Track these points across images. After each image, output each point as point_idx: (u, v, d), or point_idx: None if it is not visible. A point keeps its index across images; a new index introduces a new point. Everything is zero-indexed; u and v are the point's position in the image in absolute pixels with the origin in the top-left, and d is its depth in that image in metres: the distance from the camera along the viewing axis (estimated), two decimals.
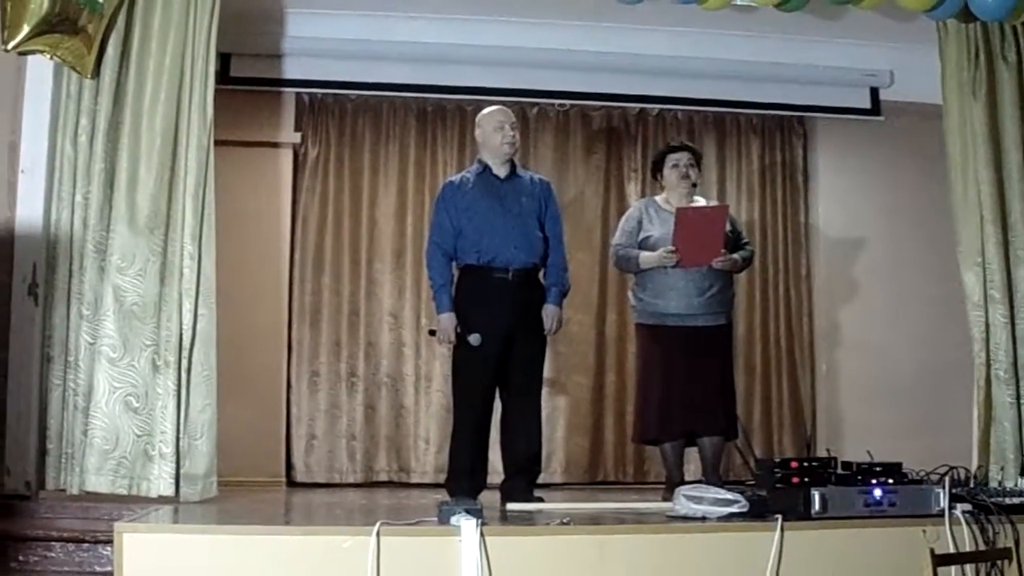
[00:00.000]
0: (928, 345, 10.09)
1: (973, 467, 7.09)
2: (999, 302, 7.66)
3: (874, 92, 10.46)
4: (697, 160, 8.24)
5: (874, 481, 5.66)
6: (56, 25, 6.52)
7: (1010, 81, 7.96)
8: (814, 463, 5.80)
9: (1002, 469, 7.40)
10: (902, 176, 10.44)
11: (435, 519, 5.34)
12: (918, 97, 9.36)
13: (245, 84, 9.51)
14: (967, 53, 7.89)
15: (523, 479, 7.31)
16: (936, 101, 8.07)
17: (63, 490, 6.75)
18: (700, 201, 8.22)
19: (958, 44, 7.90)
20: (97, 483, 6.62)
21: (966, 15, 7.61)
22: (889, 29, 9.18)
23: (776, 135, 10.88)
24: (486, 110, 7.67)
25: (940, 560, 5.05)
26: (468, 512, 5.17)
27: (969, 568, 5.41)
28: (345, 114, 10.27)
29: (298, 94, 10.07)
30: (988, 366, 7.66)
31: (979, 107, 7.85)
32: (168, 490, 6.67)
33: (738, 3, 7.68)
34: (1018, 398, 7.59)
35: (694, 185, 8.17)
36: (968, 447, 7.66)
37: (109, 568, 5.30)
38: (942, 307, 9.24)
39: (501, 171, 7.51)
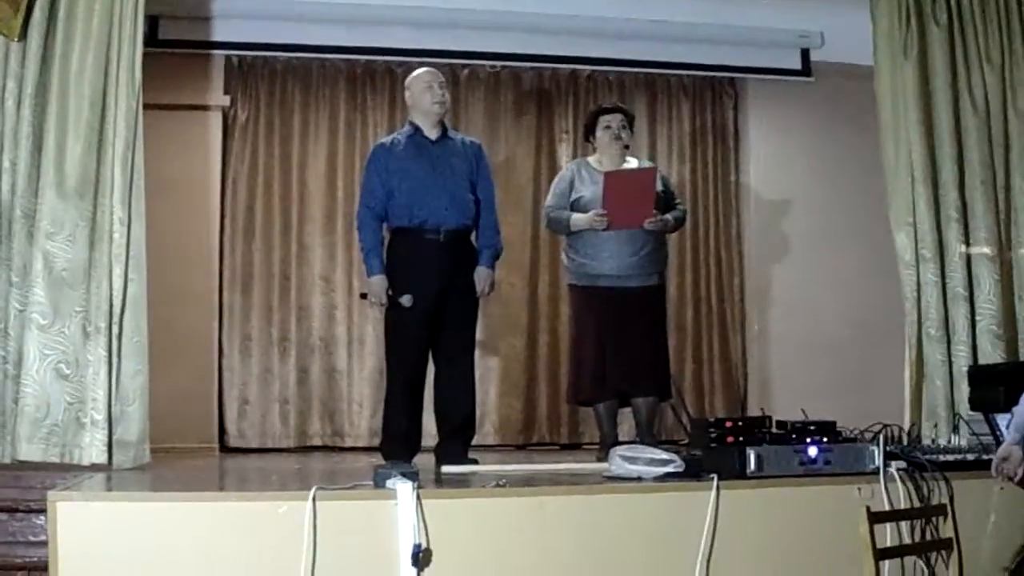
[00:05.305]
0: (859, 304, 10.19)
1: (906, 425, 7.14)
2: (930, 261, 7.71)
3: (805, 53, 10.53)
4: (629, 121, 8.23)
5: (809, 440, 5.68)
6: None
7: (941, 43, 7.99)
8: (749, 422, 5.82)
9: (935, 426, 7.46)
10: (833, 137, 10.52)
11: (371, 483, 5.32)
12: (849, 58, 9.39)
13: (174, 47, 9.43)
14: (899, 14, 7.91)
15: (457, 441, 7.30)
16: (867, 62, 8.11)
17: None
18: (632, 162, 8.22)
19: (889, 4, 7.92)
20: (29, 451, 6.55)
21: None
22: None
23: (707, 96, 10.95)
24: (414, 72, 7.62)
25: (876, 517, 5.07)
26: (404, 475, 5.14)
27: (905, 525, 5.45)
28: (275, 76, 10.23)
29: (227, 57, 10.01)
30: (919, 325, 7.71)
31: (910, 68, 7.88)
32: (101, 457, 6.60)
33: None
34: (949, 356, 7.66)
35: (626, 147, 8.17)
36: (900, 405, 7.72)
37: (43, 537, 5.24)
38: (873, 266, 9.31)
39: (432, 133, 7.47)
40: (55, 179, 6.78)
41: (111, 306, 6.76)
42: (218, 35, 9.58)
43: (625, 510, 5.39)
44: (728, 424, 5.76)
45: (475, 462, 7.10)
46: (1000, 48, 8.10)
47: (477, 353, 7.65)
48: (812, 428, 5.76)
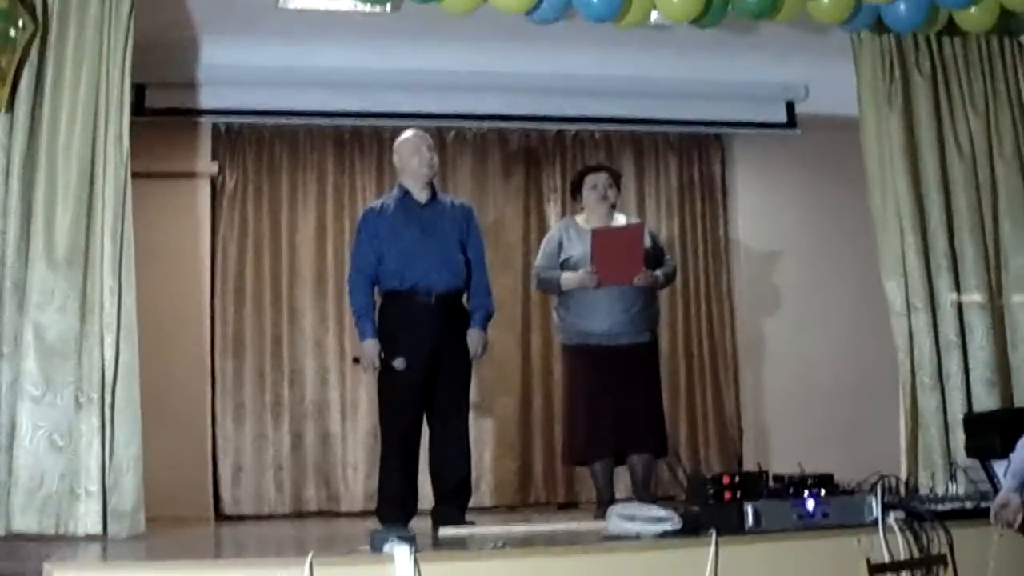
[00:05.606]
0: (852, 354, 10.17)
1: (903, 474, 7.14)
2: (921, 310, 7.75)
3: (790, 106, 10.55)
4: (616, 180, 8.25)
5: (806, 493, 5.66)
6: None
7: (925, 91, 8.07)
8: (746, 478, 5.80)
9: (932, 475, 7.47)
10: (821, 188, 10.53)
11: (368, 548, 5.29)
12: (834, 110, 9.38)
13: (161, 115, 9.43)
14: (882, 64, 7.99)
15: (454, 504, 7.27)
16: (852, 113, 8.15)
17: None
18: (620, 219, 8.22)
19: (872, 55, 7.99)
20: (24, 523, 6.53)
21: (880, 26, 7.67)
22: (802, 43, 9.20)
23: (694, 152, 10.96)
24: (402, 135, 7.64)
25: (876, 569, 5.07)
26: (401, 539, 5.11)
27: (905, 575, 5.43)
28: (262, 142, 10.22)
29: (214, 123, 10.01)
30: (913, 374, 7.74)
31: (895, 118, 7.95)
32: (96, 528, 6.58)
33: (653, 21, 7.68)
34: (944, 404, 7.68)
35: (613, 206, 8.17)
36: (896, 455, 7.72)
37: None
38: (864, 317, 9.31)
39: (422, 196, 7.47)
40: (45, 250, 6.78)
41: (103, 376, 6.75)
42: (205, 102, 9.61)
43: (624, 569, 5.36)
44: (726, 480, 5.73)
45: (472, 524, 7.07)
46: (984, 94, 8.18)
47: (471, 414, 7.62)
48: (809, 481, 5.74)
